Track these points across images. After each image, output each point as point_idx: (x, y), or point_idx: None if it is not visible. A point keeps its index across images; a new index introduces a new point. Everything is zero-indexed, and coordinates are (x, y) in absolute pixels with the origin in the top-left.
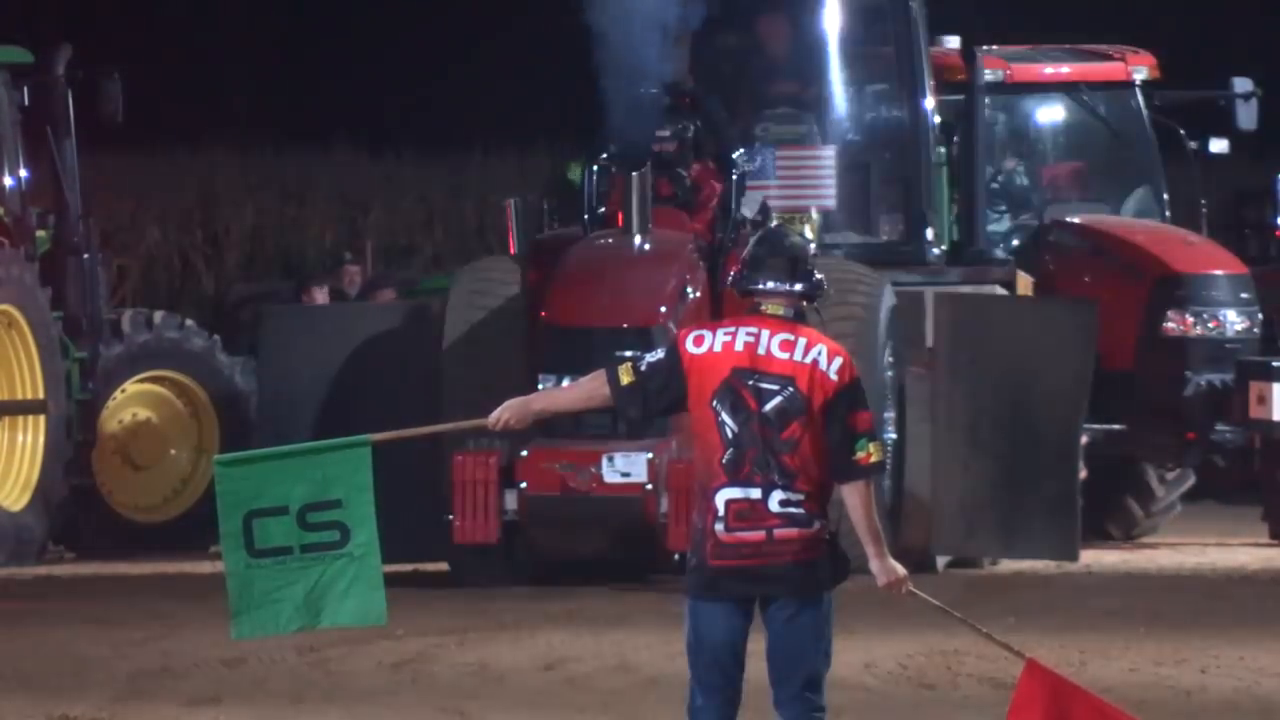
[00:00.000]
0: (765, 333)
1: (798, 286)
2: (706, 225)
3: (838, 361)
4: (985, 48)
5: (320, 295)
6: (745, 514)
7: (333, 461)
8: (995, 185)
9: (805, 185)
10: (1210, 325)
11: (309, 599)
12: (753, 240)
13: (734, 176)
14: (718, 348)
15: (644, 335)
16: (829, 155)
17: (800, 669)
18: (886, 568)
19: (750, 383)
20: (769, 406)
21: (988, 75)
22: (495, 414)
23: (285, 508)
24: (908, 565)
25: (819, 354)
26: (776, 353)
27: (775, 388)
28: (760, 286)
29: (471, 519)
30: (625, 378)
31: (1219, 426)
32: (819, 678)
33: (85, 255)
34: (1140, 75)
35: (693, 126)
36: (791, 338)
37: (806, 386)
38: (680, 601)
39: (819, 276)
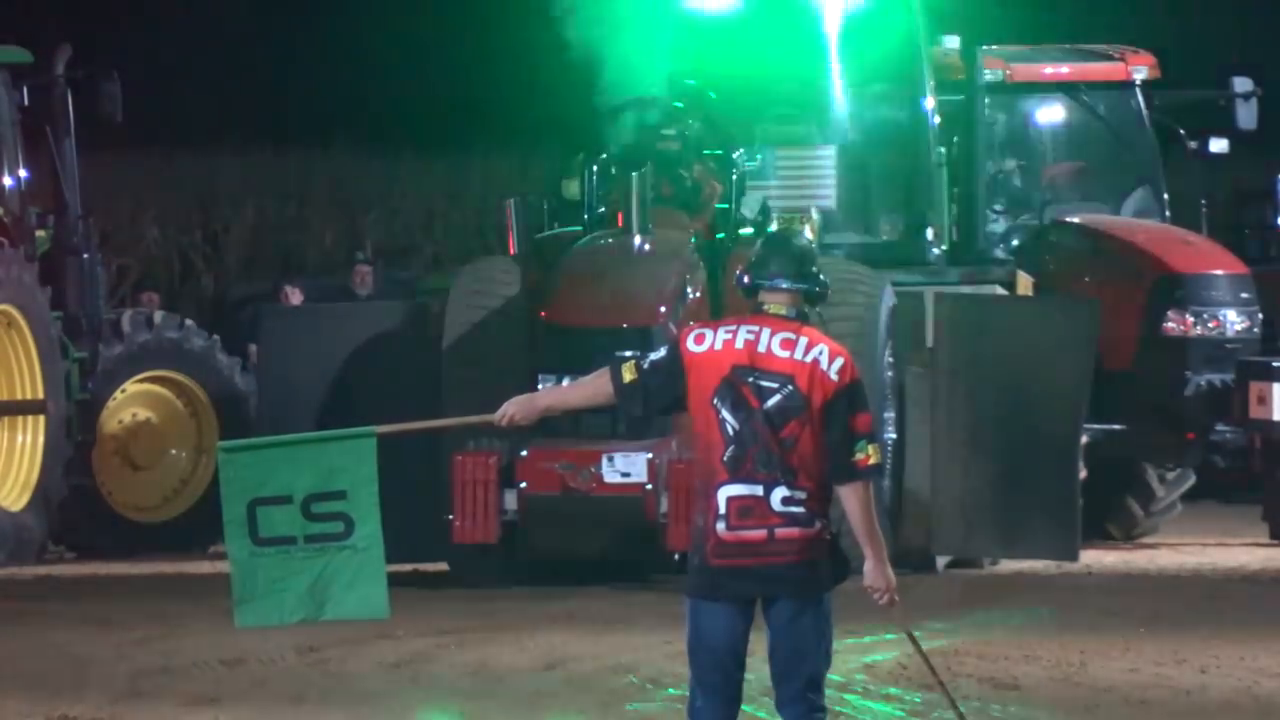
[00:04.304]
0: (766, 331)
1: (801, 286)
2: (706, 225)
3: (839, 362)
4: (985, 48)
5: (295, 296)
6: (748, 511)
7: (338, 452)
8: (1001, 176)
9: (805, 185)
10: (1210, 325)
11: (312, 590)
12: (760, 241)
13: (734, 176)
14: (718, 346)
15: (644, 335)
16: (829, 155)
17: (802, 669)
18: (882, 574)
19: (750, 380)
20: (770, 404)
21: (988, 75)
22: (501, 410)
23: (289, 497)
24: (908, 565)
25: (820, 354)
26: (777, 351)
27: (775, 385)
28: (764, 285)
29: (471, 519)
30: (628, 375)
31: (1219, 426)
32: (820, 678)
33: (85, 255)
34: (1140, 75)
35: (695, 126)
36: (793, 337)
37: (806, 385)
38: (680, 601)
39: (824, 278)
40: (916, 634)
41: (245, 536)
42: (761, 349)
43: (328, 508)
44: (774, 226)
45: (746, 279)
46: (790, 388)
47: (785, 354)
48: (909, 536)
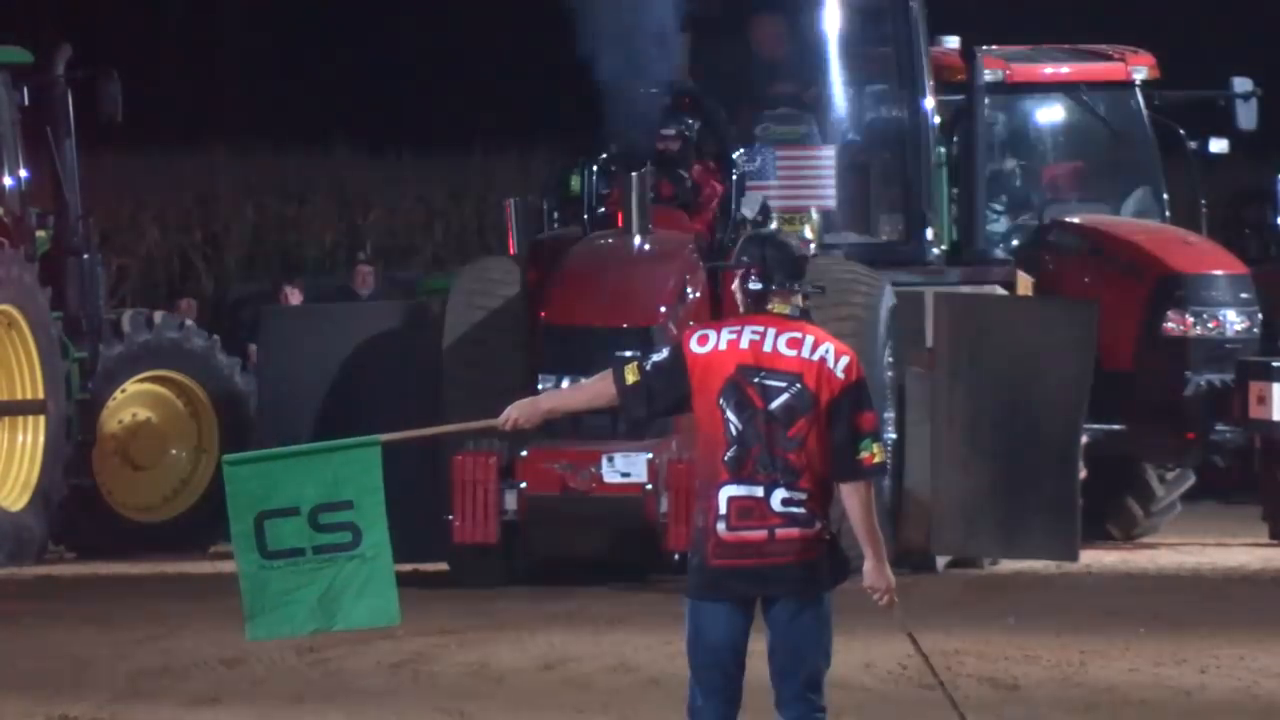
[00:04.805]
0: (771, 331)
1: (801, 285)
2: (706, 225)
3: (845, 360)
4: (985, 48)
5: (294, 296)
6: (748, 512)
7: (343, 462)
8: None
9: (805, 185)
10: (1210, 325)
11: (323, 601)
12: (748, 242)
13: (734, 176)
14: (722, 346)
15: (644, 335)
16: (829, 155)
17: (802, 669)
18: (882, 574)
19: (756, 380)
20: (775, 404)
21: (988, 75)
22: (504, 414)
23: (296, 508)
24: (908, 565)
25: (826, 352)
26: (783, 350)
27: (782, 385)
28: (766, 285)
29: (471, 519)
30: (630, 377)
31: (1219, 426)
32: (820, 678)
33: (85, 255)
34: (1140, 75)
35: (694, 126)
36: (799, 335)
37: (814, 384)
38: (680, 601)
39: (816, 281)
40: (916, 635)
41: (254, 550)
42: (767, 349)
43: (335, 518)
44: (774, 226)
45: (750, 281)
46: (798, 386)
47: (792, 353)
48: (909, 536)
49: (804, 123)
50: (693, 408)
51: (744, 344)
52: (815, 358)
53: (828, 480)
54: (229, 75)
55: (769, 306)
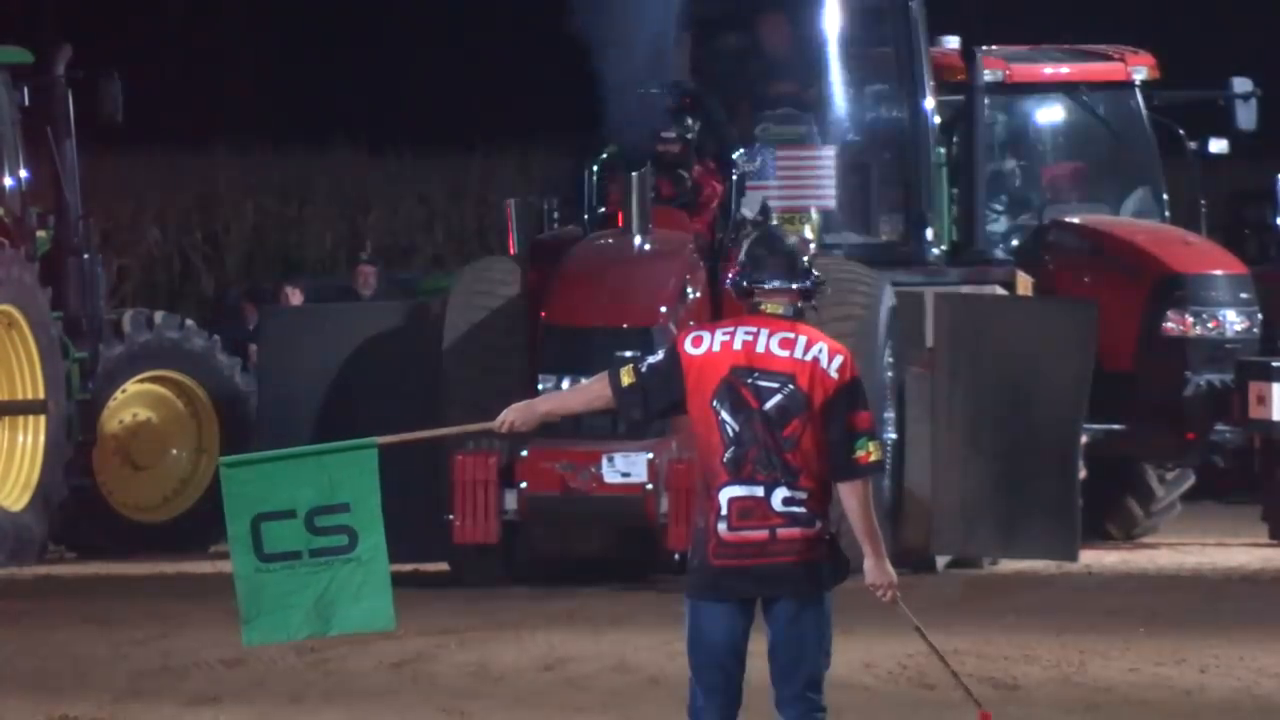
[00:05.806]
0: (764, 331)
1: (797, 285)
2: (707, 225)
3: (838, 360)
4: (985, 48)
5: (294, 296)
6: (749, 512)
7: (339, 465)
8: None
9: (805, 185)
10: (1210, 325)
11: (318, 605)
12: (748, 240)
13: (734, 177)
14: (716, 348)
15: (644, 335)
16: (829, 155)
17: (802, 669)
18: (882, 569)
19: (749, 381)
20: (769, 404)
21: (988, 75)
22: (501, 416)
23: (293, 511)
24: (908, 565)
25: (820, 352)
26: (776, 351)
27: (775, 385)
28: (760, 286)
29: (471, 519)
30: (626, 379)
31: (1219, 426)
32: (820, 677)
33: (85, 255)
34: (1140, 75)
35: (694, 126)
36: (791, 336)
37: (807, 384)
38: (680, 601)
39: (816, 274)
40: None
41: (250, 553)
42: (760, 349)
43: (332, 521)
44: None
45: (742, 281)
46: (791, 387)
47: (785, 353)
48: (909, 536)
49: (804, 123)
50: (688, 409)
51: (737, 345)
52: (808, 358)
53: (827, 479)
54: (229, 75)
55: (762, 307)
